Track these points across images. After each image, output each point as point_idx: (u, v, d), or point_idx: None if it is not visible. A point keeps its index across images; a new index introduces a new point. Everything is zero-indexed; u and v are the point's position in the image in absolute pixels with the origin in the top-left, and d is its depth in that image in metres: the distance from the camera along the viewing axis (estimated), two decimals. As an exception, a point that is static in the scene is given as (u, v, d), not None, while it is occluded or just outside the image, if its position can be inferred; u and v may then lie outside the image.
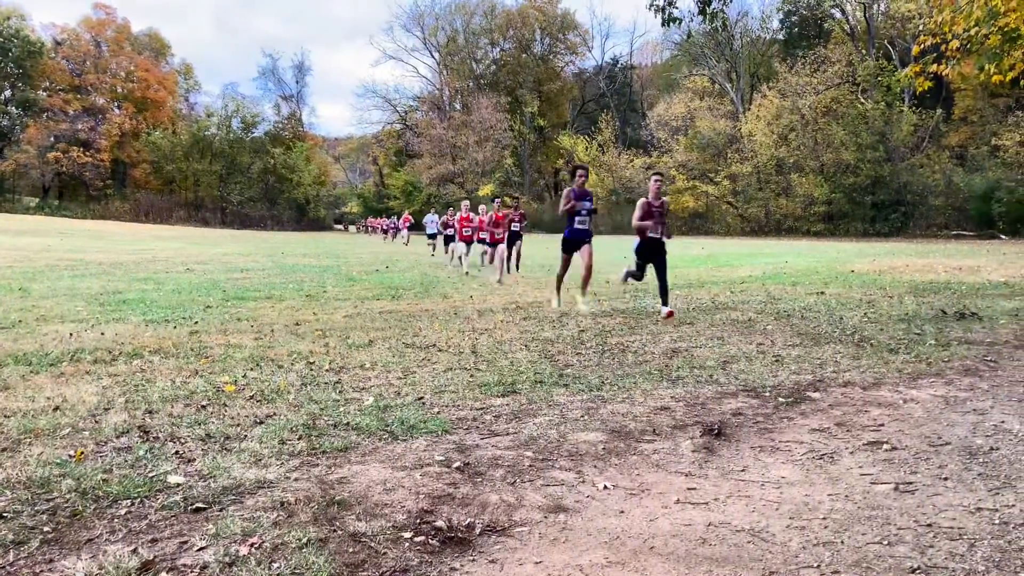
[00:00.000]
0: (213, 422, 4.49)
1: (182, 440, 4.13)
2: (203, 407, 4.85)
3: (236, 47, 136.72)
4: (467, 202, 20.08)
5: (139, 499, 3.27)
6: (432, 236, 29.21)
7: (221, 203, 79.92)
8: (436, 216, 30.70)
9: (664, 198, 10.11)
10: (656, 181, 10.07)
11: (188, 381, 5.58)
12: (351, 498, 3.34)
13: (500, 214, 17.48)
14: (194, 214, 77.32)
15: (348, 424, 4.50)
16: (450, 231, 21.37)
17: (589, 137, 70.52)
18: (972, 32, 9.20)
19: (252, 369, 6.11)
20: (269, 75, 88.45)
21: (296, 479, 3.57)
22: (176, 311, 9.67)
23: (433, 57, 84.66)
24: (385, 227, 53.58)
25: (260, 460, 3.82)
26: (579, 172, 10.30)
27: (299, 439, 4.19)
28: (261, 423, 4.50)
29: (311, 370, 6.12)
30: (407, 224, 42.90)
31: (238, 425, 4.44)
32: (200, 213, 78.07)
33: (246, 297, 11.52)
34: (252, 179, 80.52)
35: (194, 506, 3.20)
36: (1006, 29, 8.88)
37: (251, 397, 5.14)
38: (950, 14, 9.20)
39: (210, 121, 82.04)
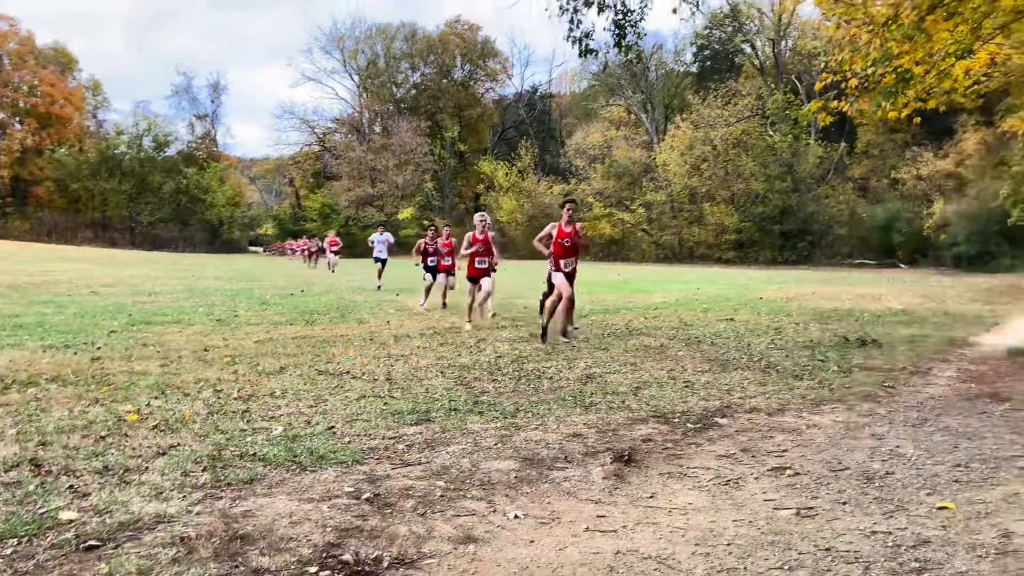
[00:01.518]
0: (112, 453, 4.31)
1: (77, 473, 3.96)
2: (102, 438, 4.66)
3: (149, 64, 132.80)
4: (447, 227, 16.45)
5: (27, 538, 3.11)
6: (382, 263, 21.49)
7: (130, 223, 77.36)
8: (388, 236, 22.75)
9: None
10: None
11: (87, 410, 5.36)
12: (255, 532, 3.25)
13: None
14: (101, 234, 74.61)
15: (255, 455, 4.39)
16: (432, 260, 15.30)
17: (509, 163, 71.05)
18: (869, 71, 9.69)
19: (156, 397, 5.91)
20: (183, 94, 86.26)
21: (198, 513, 3.45)
22: (78, 336, 9.29)
23: (353, 80, 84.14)
24: (307, 249, 46.45)
25: (161, 493, 3.69)
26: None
27: (203, 471, 4.06)
28: (164, 454, 4.35)
29: (218, 398, 5.96)
30: (335, 247, 34.25)
31: (139, 456, 4.28)
32: (108, 234, 75.38)
33: (153, 321, 11.14)
34: (163, 199, 78.22)
35: (87, 544, 3.06)
36: (900, 70, 9.39)
37: (154, 427, 4.96)
38: (849, 53, 9.67)
39: (120, 139, 79.46)
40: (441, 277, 15.18)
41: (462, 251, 11.84)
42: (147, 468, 4.08)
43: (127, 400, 5.75)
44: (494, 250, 11.98)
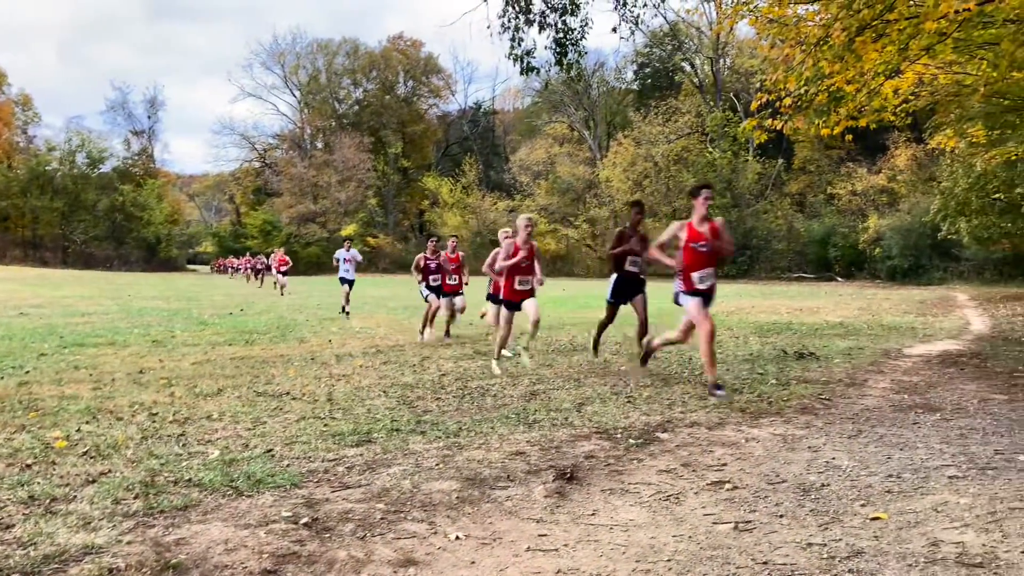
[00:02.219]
0: (38, 482, 4.16)
1: (0, 504, 3.81)
2: (28, 466, 4.49)
3: (83, 79, 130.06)
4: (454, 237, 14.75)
5: (-55, 573, 2.98)
6: (349, 284, 18.43)
7: (63, 242, 75.21)
8: (355, 252, 19.62)
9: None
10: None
11: (12, 437, 5.17)
12: (188, 561, 3.16)
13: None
14: (32, 253, 72.37)
15: (190, 480, 4.28)
16: (435, 279, 12.64)
17: (453, 179, 71.09)
18: (803, 91, 9.97)
19: (87, 422, 5.73)
20: (119, 109, 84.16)
21: (129, 542, 3.34)
22: (4, 359, 8.98)
23: (294, 95, 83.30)
24: (251, 267, 43.36)
25: (89, 523, 3.57)
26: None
27: (135, 498, 3.94)
28: (93, 482, 4.21)
29: (153, 422, 5.80)
30: (283, 267, 30.15)
31: (67, 485, 4.14)
32: (39, 252, 73.15)
33: (86, 343, 10.83)
34: (98, 217, 76.21)
35: (9, 578, 2.95)
36: (832, 89, 9.67)
37: (84, 453, 4.81)
38: (783, 73, 9.91)
39: (51, 155, 77.27)
40: (446, 300, 12.64)
41: (499, 263, 9.06)
42: (75, 497, 3.95)
43: (56, 426, 5.57)
44: (538, 266, 9.16)
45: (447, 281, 12.62)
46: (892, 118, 12.21)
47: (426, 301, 12.62)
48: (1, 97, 78.98)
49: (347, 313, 17.59)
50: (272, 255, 32.39)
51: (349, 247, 19.38)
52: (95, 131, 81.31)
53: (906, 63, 10.43)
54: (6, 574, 2.98)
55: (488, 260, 9.45)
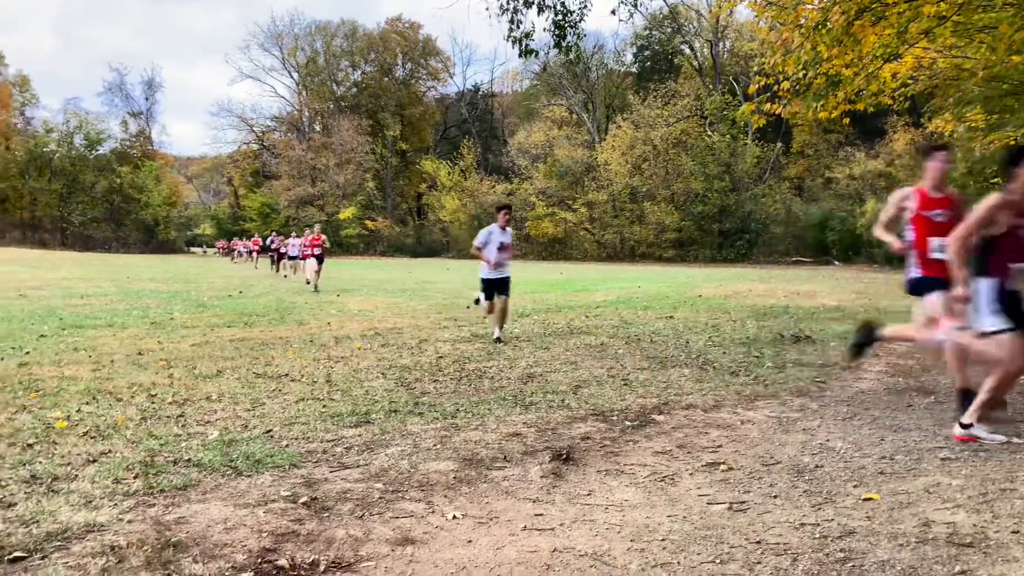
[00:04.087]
0: (40, 462, 4.21)
1: (2, 483, 3.85)
2: (29, 446, 4.54)
3: (80, 60, 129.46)
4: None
5: (-51, 550, 3.02)
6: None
7: (61, 224, 75.06)
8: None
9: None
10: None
11: (13, 418, 5.21)
12: (188, 539, 3.20)
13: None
14: (30, 235, 72.23)
15: (189, 460, 4.32)
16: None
17: (451, 162, 70.88)
18: (800, 75, 9.93)
19: (88, 403, 5.77)
20: (116, 90, 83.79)
21: (130, 521, 3.39)
22: (4, 341, 9.01)
23: (292, 77, 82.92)
24: (251, 249, 45.36)
25: (91, 502, 3.61)
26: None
27: (135, 478, 3.99)
28: (94, 461, 4.26)
29: (153, 403, 5.84)
30: (314, 248, 26.28)
31: (68, 464, 4.18)
32: (37, 234, 73.04)
33: (85, 325, 10.86)
34: (96, 199, 76.01)
35: (12, 555, 2.98)
36: (830, 73, 9.63)
37: (85, 433, 4.85)
38: (781, 57, 9.87)
39: (49, 137, 76.93)
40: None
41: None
42: (77, 476, 3.99)
43: (56, 406, 5.61)
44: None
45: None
46: (890, 102, 12.16)
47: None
48: (-1, 79, 78.63)
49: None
50: (304, 234, 27.13)
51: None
52: (93, 113, 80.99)
53: (905, 47, 10.38)
54: (9, 551, 3.02)
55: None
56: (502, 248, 9.93)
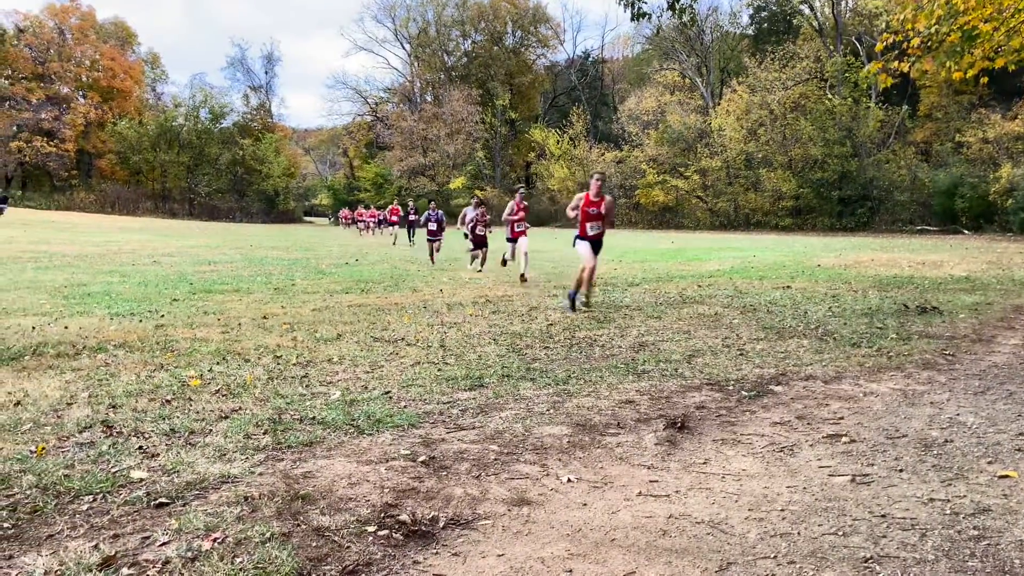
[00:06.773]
0: (178, 417, 4.47)
1: (146, 435, 4.11)
2: (168, 402, 4.82)
3: (205, 37, 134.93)
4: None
5: (101, 494, 3.26)
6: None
7: (189, 195, 78.92)
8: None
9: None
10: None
11: (153, 375, 5.55)
12: (315, 492, 3.35)
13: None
14: (161, 206, 76.26)
15: (314, 418, 4.51)
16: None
17: (560, 130, 70.49)
18: (933, 30, 9.37)
19: (218, 363, 6.08)
20: (238, 65, 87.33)
21: (260, 474, 3.57)
22: (142, 304, 9.57)
23: (404, 49, 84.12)
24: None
25: (224, 455, 3.82)
26: None
27: (264, 434, 4.19)
28: (226, 418, 4.49)
29: (278, 364, 6.11)
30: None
31: (203, 420, 4.43)
32: (167, 205, 77.02)
33: (213, 290, 11.42)
34: (220, 170, 79.53)
35: (157, 501, 3.20)
36: (966, 28, 9.06)
37: (216, 391, 5.12)
38: (912, 12, 9.34)
39: (177, 111, 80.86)
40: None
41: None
42: (211, 431, 4.22)
43: (190, 366, 5.93)
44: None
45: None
46: (1033, 59, 11.36)
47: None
48: (132, 56, 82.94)
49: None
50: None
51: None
52: (216, 87, 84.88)
53: (1052, -3, 9.66)
54: (155, 497, 3.23)
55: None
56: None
